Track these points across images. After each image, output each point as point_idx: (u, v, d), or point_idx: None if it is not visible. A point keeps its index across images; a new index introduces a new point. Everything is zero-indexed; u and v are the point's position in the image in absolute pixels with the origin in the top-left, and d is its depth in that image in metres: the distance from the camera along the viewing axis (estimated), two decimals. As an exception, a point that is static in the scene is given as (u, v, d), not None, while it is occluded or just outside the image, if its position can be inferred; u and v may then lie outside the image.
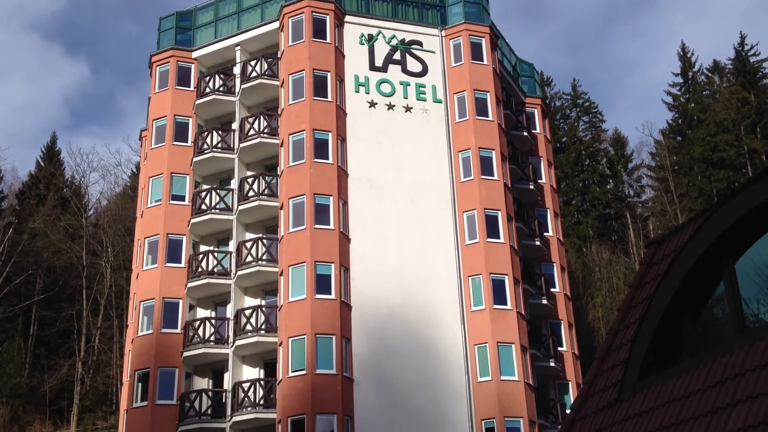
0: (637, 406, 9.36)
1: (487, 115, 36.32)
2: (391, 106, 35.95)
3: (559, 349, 37.70)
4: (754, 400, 7.56)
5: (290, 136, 33.88)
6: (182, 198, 35.98)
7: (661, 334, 9.72)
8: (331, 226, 32.31)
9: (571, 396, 36.84)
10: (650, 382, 9.50)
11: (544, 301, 37.22)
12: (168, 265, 34.49)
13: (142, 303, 34.28)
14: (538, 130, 43.00)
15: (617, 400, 9.87)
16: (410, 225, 33.92)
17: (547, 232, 40.53)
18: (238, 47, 38.10)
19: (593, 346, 48.37)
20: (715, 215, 9.21)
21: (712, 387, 8.33)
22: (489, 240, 33.76)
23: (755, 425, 7.26)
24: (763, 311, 8.90)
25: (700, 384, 8.55)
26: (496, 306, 32.60)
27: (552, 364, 36.13)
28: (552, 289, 38.84)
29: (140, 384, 32.91)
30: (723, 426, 7.67)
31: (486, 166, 35.22)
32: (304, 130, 33.69)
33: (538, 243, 38.45)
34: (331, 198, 32.78)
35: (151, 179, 36.67)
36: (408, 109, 36.11)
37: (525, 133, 40.80)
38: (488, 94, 36.75)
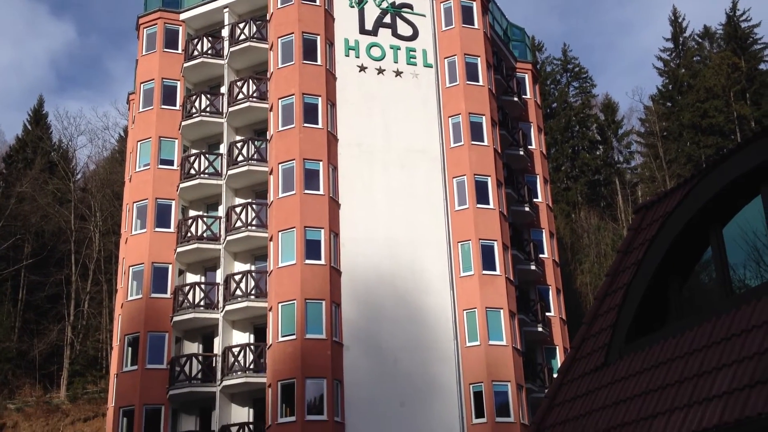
0: (624, 370, 9.45)
1: (477, 80, 36.13)
2: (381, 71, 35.69)
3: (547, 314, 37.99)
4: (740, 363, 7.64)
5: (279, 101, 33.64)
6: (171, 162, 35.76)
7: (649, 299, 9.79)
8: (321, 192, 32.24)
9: (558, 360, 37.20)
10: (637, 346, 9.59)
11: (533, 267, 37.41)
12: (157, 229, 34.41)
13: (131, 268, 34.25)
14: (528, 96, 42.83)
15: (604, 364, 9.96)
16: (400, 190, 33.88)
17: (537, 198, 40.59)
18: (227, 9, 37.60)
19: (581, 312, 48.79)
20: (704, 181, 9.22)
21: (698, 351, 8.41)
22: (478, 206, 33.78)
23: (740, 388, 7.34)
24: (750, 277, 8.96)
25: (686, 348, 8.63)
26: (485, 272, 32.74)
27: (540, 329, 36.44)
28: (540, 255, 39.03)
29: (130, 348, 33.00)
30: (708, 389, 7.75)
31: (476, 132, 35.11)
32: (293, 95, 33.44)
33: (527, 209, 38.53)
34: (321, 163, 32.66)
35: (139, 143, 36.41)
36: (398, 73, 35.86)
37: (515, 99, 40.65)
38: (479, 58, 36.51)
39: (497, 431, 30.32)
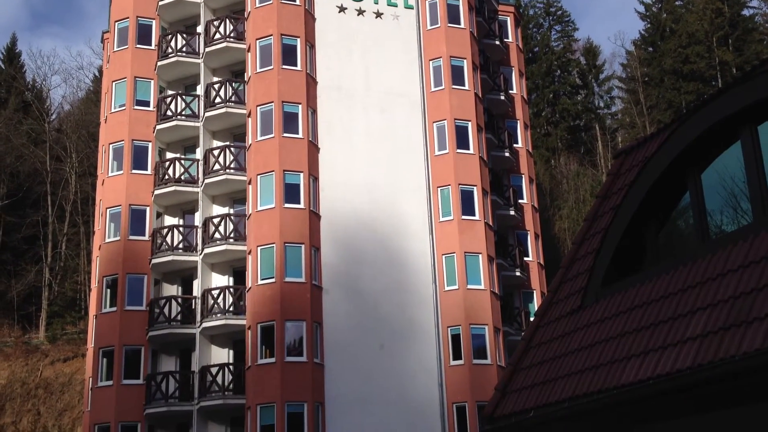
0: (600, 313, 9.55)
1: (459, 23, 35.65)
2: (361, 12, 35.08)
3: (525, 259, 38.31)
4: (714, 307, 7.74)
5: (257, 41, 33.05)
6: (147, 103, 35.22)
7: (626, 243, 9.84)
8: (300, 135, 31.96)
9: (536, 304, 37.68)
10: (613, 289, 9.67)
11: (512, 212, 37.56)
12: (134, 171, 34.06)
13: (108, 210, 33.98)
14: (510, 40, 42.39)
15: (580, 307, 10.06)
16: (380, 135, 33.68)
17: (517, 143, 40.53)
18: (203, -54, 36.60)
19: (558, 257, 49.29)
20: (683, 126, 9.19)
21: (673, 294, 8.50)
22: (459, 151, 33.71)
23: (714, 331, 7.45)
24: (726, 222, 9.01)
25: (662, 292, 8.71)
26: (464, 217, 32.84)
27: (518, 273, 36.78)
28: (520, 200, 39.17)
29: (109, 290, 32.97)
30: (683, 332, 7.86)
31: (457, 76, 34.81)
32: (271, 35, 32.84)
33: (507, 154, 38.49)
34: (300, 106, 32.30)
35: (114, 83, 35.75)
36: (378, 14, 35.28)
37: (497, 42, 40.22)
38: (460, 0, 35.95)
39: (474, 373, 30.83)
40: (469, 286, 31.96)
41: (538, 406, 9.32)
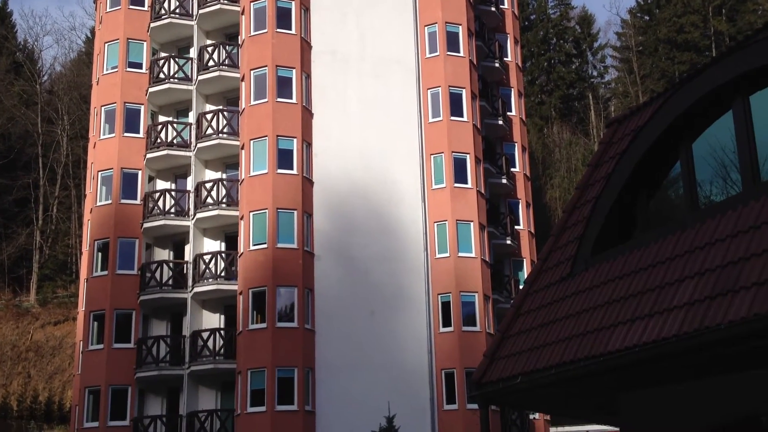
0: (589, 281, 9.62)
1: (454, -11, 35.29)
2: (356, -24, 34.69)
3: (516, 227, 38.44)
4: (702, 276, 7.80)
5: (251, 3, 32.71)
6: (139, 66, 34.91)
7: (616, 212, 9.88)
8: (294, 100, 31.80)
9: (525, 272, 37.88)
10: (603, 257, 9.73)
11: (504, 181, 37.59)
12: (126, 134, 33.88)
13: (100, 173, 33.86)
14: (506, 6, 42.03)
15: (570, 274, 10.12)
16: (374, 101, 33.52)
17: (511, 111, 40.42)
18: None
19: (549, 226, 49.47)
20: (676, 96, 9.19)
21: (661, 263, 8.56)
22: (452, 118, 33.62)
23: (701, 300, 7.52)
24: (716, 192, 9.05)
25: (650, 260, 8.77)
26: (456, 184, 32.87)
27: (508, 241, 36.92)
28: (512, 169, 39.17)
29: (100, 254, 32.97)
30: (670, 300, 7.93)
31: (452, 42, 34.57)
32: (265, -2, 32.51)
33: (500, 122, 38.40)
34: (294, 71, 32.09)
35: (106, 45, 35.39)
36: (374, -21, 34.90)
37: (492, 9, 39.90)
38: (457, -34, 35.56)
39: (463, 340, 31.08)
40: (460, 254, 32.08)
41: (525, 372, 9.41)
